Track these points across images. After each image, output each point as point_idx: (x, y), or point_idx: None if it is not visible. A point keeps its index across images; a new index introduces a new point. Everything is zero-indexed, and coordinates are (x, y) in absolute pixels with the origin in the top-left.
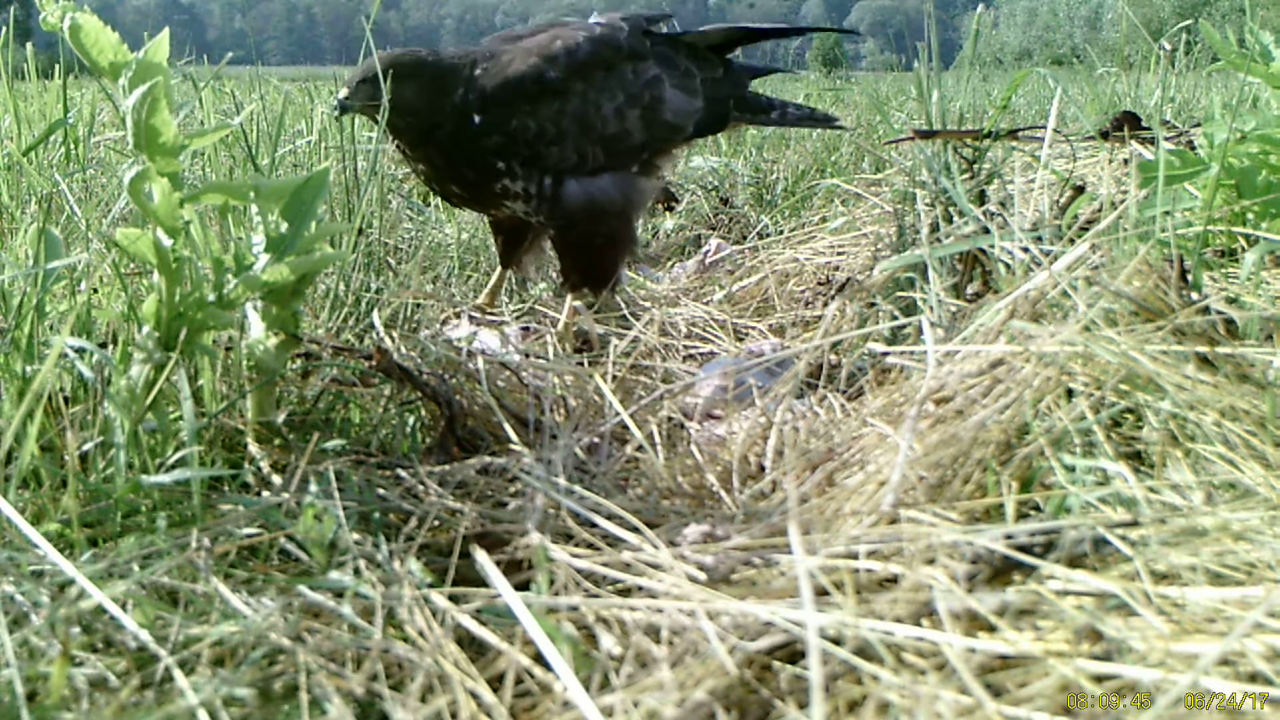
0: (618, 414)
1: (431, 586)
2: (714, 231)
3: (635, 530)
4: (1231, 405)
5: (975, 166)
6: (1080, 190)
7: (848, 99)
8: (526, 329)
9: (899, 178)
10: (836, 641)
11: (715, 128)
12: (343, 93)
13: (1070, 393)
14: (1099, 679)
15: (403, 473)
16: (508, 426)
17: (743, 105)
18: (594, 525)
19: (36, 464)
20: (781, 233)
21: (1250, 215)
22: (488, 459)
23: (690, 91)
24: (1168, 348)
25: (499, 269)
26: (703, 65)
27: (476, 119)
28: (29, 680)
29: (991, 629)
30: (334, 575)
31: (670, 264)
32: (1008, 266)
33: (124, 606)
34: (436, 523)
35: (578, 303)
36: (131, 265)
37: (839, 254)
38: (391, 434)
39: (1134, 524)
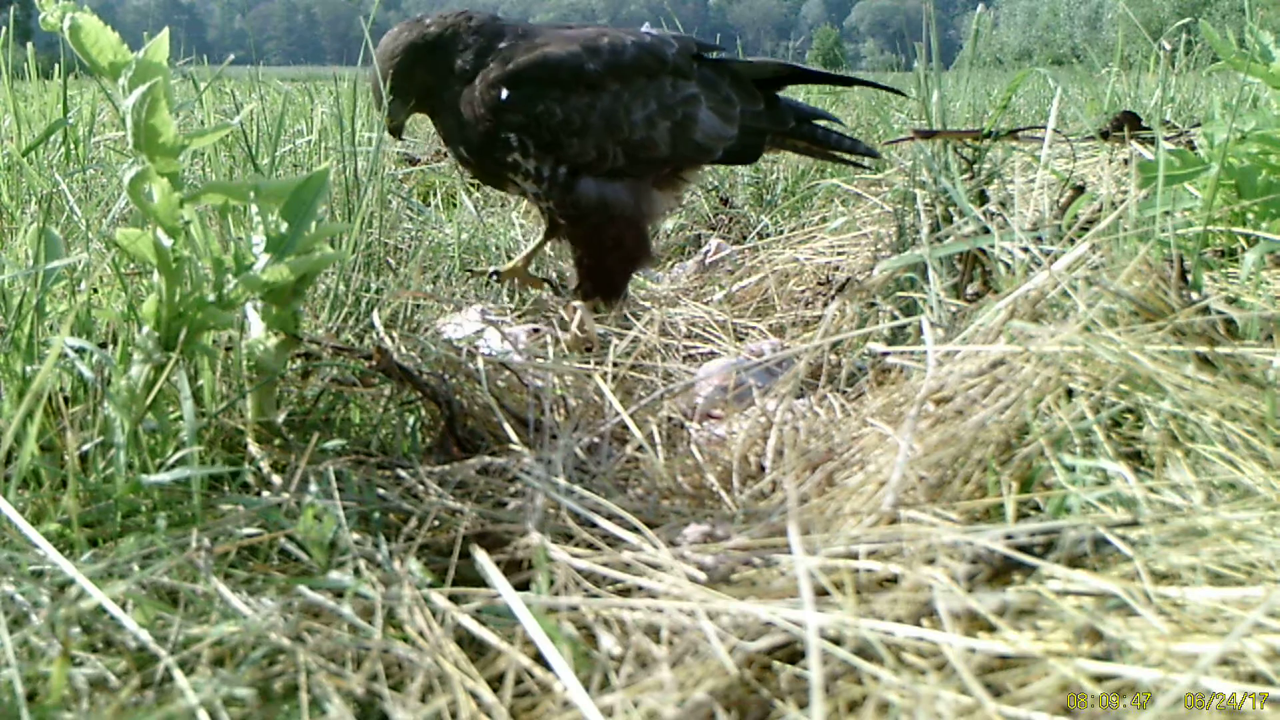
0: (618, 414)
1: (431, 586)
2: (714, 231)
3: (635, 530)
4: (1231, 405)
5: (975, 166)
6: (1080, 190)
7: (848, 99)
8: (536, 329)
9: (899, 178)
10: (836, 641)
11: (745, 158)
12: (384, 121)
13: (1070, 393)
14: (1099, 679)
15: (403, 473)
16: (508, 426)
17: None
18: (594, 525)
19: (36, 464)
20: (781, 233)
21: (1250, 215)
22: (488, 459)
23: (726, 118)
24: (1168, 348)
25: (543, 235)
26: (745, 96)
27: (504, 94)
28: (29, 680)
29: (991, 629)
30: (334, 575)
31: (670, 264)
32: (1008, 266)
33: (124, 606)
34: (436, 523)
35: (578, 303)
36: (131, 265)
37: (839, 254)
38: (391, 434)
39: (1134, 524)
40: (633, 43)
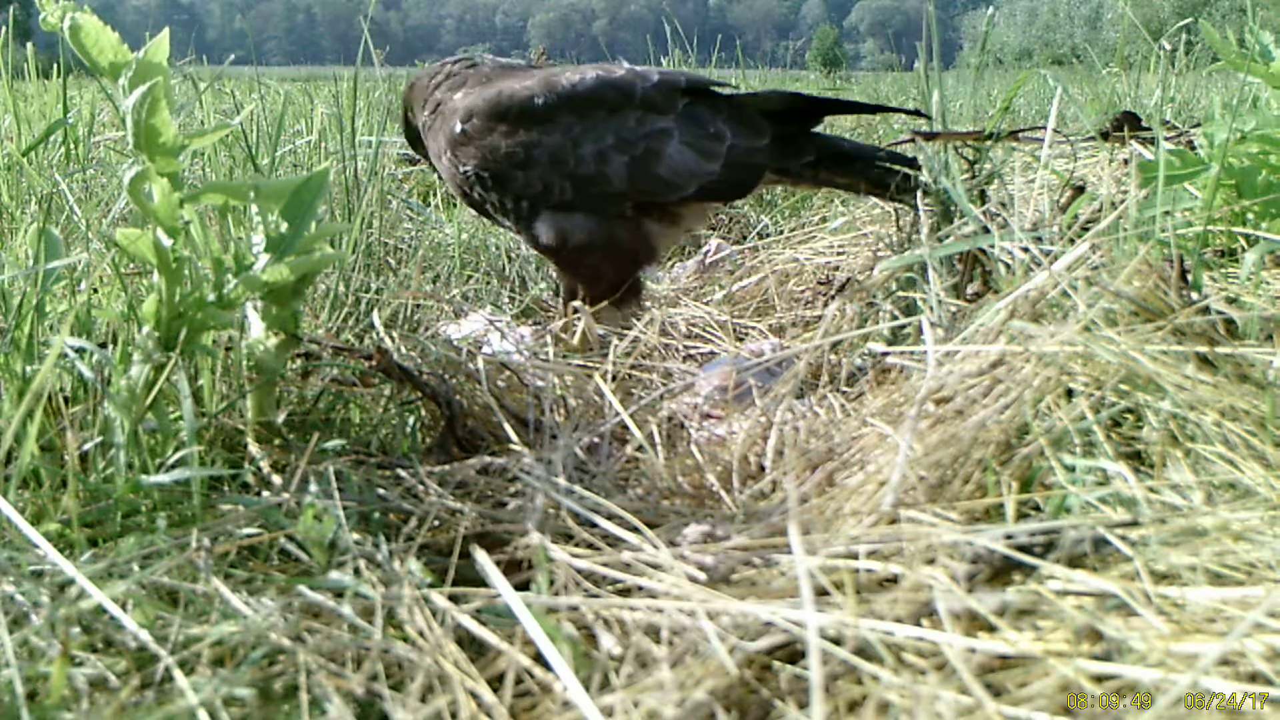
0: (618, 414)
1: (431, 586)
2: (714, 231)
3: (635, 530)
4: (1231, 405)
5: (976, 167)
6: (1080, 190)
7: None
8: (539, 324)
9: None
10: (836, 641)
11: (734, 194)
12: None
13: (1070, 393)
14: (1099, 679)
15: (403, 473)
16: (508, 426)
17: (786, 173)
18: (594, 525)
19: (36, 464)
20: (781, 233)
21: (1250, 215)
22: (488, 459)
23: (705, 154)
24: (1168, 348)
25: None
26: (743, 131)
27: (458, 127)
28: (29, 680)
29: (991, 629)
30: (334, 575)
31: (670, 264)
32: (1008, 266)
33: (124, 606)
34: (436, 523)
35: (577, 302)
36: (131, 265)
37: (839, 254)
38: (391, 434)
39: (1134, 524)
40: (594, 76)
